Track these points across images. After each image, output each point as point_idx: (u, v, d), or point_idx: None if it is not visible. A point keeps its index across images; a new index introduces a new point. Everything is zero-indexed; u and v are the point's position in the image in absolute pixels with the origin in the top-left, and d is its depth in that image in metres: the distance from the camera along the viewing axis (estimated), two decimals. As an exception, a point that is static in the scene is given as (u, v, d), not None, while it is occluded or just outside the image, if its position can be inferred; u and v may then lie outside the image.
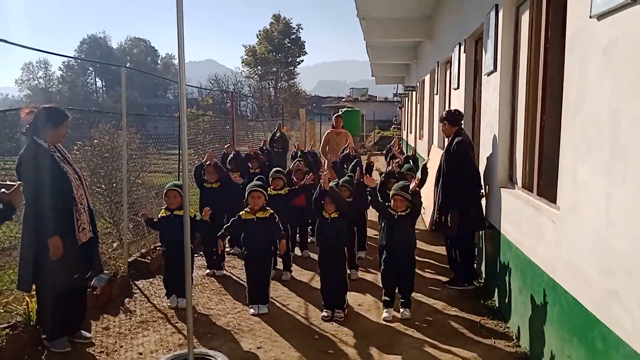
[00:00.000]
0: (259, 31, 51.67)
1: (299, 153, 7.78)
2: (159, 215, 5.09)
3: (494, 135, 5.07)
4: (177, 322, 4.67)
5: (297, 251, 6.99)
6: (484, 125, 5.60)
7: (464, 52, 7.00)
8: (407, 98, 22.62)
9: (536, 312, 3.71)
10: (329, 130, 9.96)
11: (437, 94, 10.30)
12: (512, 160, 4.87)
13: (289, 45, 51.05)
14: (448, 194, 5.33)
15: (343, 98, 51.13)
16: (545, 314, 3.51)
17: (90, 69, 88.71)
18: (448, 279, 5.71)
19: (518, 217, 4.28)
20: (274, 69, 50.80)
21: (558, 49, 3.78)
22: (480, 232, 5.56)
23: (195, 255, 6.77)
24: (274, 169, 6.19)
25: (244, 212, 5.00)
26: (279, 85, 51.17)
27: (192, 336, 3.54)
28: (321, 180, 4.88)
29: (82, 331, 4.25)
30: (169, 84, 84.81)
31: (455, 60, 7.65)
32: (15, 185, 2.87)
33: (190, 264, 3.77)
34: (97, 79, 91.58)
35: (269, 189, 5.89)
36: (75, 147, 10.84)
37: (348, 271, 5.91)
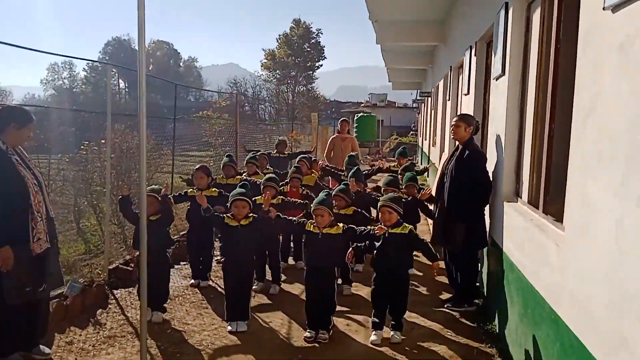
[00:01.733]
0: (279, 35, 51.60)
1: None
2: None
3: (501, 144, 4.63)
4: (147, 339, 4.31)
5: (291, 260, 6.61)
6: (492, 133, 5.15)
7: (475, 55, 6.56)
8: (423, 104, 22.15)
9: (536, 347, 3.26)
10: (334, 136, 9.61)
11: (449, 99, 9.84)
12: (519, 172, 4.42)
13: (308, 49, 50.82)
14: (455, 206, 4.85)
15: (362, 103, 50.78)
16: (546, 350, 3.06)
17: (114, 70, 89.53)
18: (447, 298, 5.26)
19: (521, 235, 3.84)
20: (293, 73, 50.59)
21: (571, 49, 3.34)
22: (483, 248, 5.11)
23: (183, 263, 6.46)
24: (267, 176, 5.82)
25: (227, 216, 4.64)
26: (297, 89, 50.93)
27: (147, 360, 3.18)
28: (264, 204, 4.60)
29: (41, 346, 3.92)
30: (190, 87, 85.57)
31: (466, 64, 7.21)
32: None
33: (145, 276, 3.41)
34: (121, 81, 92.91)
35: (257, 198, 5.54)
36: (82, 147, 10.71)
37: (340, 284, 5.54)
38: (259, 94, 51.70)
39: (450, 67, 9.62)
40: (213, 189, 5.74)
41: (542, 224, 3.46)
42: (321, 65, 52.35)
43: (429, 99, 16.68)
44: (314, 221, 4.39)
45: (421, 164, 17.95)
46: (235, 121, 9.88)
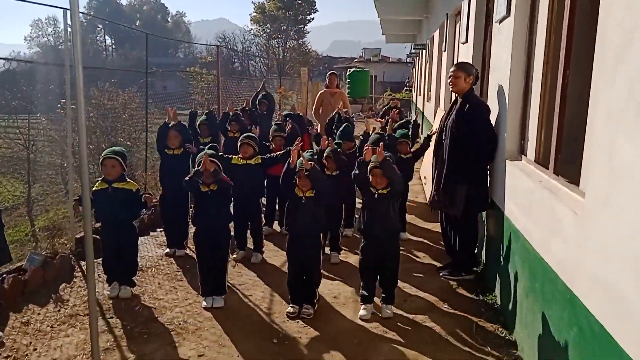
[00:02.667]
0: (269, -13, 49.63)
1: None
2: (93, 189, 4.22)
3: (504, 95, 4.11)
4: (111, 317, 3.91)
5: (277, 226, 6.19)
6: (493, 84, 4.63)
7: (474, -3, 5.94)
8: (417, 58, 21.34)
9: (547, 328, 2.86)
10: (322, 90, 9.02)
11: (445, 50, 9.21)
12: (525, 127, 3.93)
13: (299, 2, 48.97)
14: (455, 166, 4.35)
15: (355, 58, 49.51)
16: (559, 334, 2.66)
17: (99, 26, 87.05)
18: (443, 265, 4.88)
19: (527, 199, 3.39)
20: (283, 27, 48.91)
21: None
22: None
23: (159, 230, 6.02)
24: (244, 135, 5.29)
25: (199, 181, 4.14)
26: (288, 44, 49.38)
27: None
28: (292, 153, 4.00)
29: (-8, 329, 3.52)
30: (180, 43, 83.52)
31: (464, 9, 6.58)
32: None
33: (92, 251, 2.94)
34: (107, 37, 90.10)
35: (235, 157, 5.04)
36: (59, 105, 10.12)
37: (328, 253, 5.14)
38: (249, 49, 50.13)
39: (447, 14, 8.94)
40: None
41: (554, 186, 3.00)
42: (312, 19, 50.61)
43: (424, 51, 15.94)
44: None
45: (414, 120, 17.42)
46: (217, 76, 9.23)
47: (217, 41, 51.92)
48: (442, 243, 5.08)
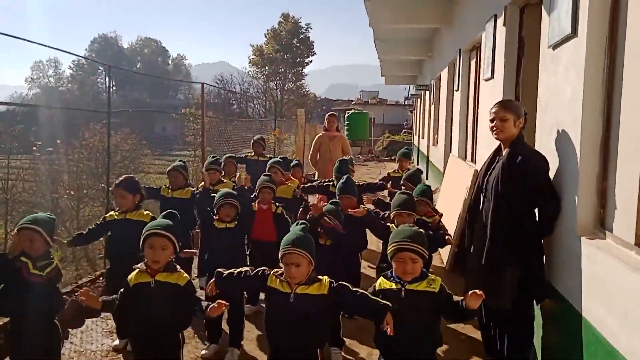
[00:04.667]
0: (267, 30, 49.79)
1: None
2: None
3: (570, 145, 2.98)
4: None
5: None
6: (544, 129, 3.51)
7: (504, 24, 4.92)
8: (419, 99, 20.54)
9: None
10: (320, 134, 7.93)
11: (457, 89, 8.20)
12: (604, 190, 2.79)
13: (297, 45, 49.01)
14: (504, 240, 3.19)
15: (353, 101, 49.24)
16: None
17: (100, 68, 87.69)
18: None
19: (622, 296, 2.22)
20: (281, 69, 48.76)
21: None
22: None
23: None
24: (222, 191, 4.12)
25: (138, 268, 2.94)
26: (286, 86, 49.11)
27: None
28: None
29: None
30: (179, 85, 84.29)
31: (487, 41, 5.57)
32: None
33: None
34: (107, 79, 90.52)
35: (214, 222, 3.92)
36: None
37: (326, 348, 3.88)
38: (247, 91, 49.78)
39: (459, 50, 7.98)
40: (145, 212, 4.03)
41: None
42: (311, 62, 50.64)
43: (427, 92, 15.05)
44: (279, 272, 2.72)
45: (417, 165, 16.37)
46: (202, 116, 8.16)
47: (215, 83, 51.76)
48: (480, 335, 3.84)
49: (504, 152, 3.31)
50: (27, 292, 2.94)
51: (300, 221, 2.84)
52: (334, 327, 3.88)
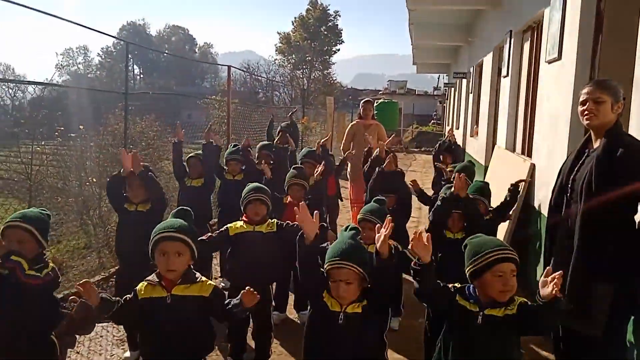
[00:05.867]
0: (295, 17, 49.13)
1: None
2: None
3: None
4: None
5: (293, 309, 4.42)
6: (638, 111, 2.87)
7: (578, -4, 4.24)
8: (453, 88, 19.69)
9: None
10: (355, 122, 7.34)
11: (506, 75, 7.48)
12: None
13: (325, 32, 48.23)
14: (596, 251, 2.60)
15: (380, 91, 48.39)
16: None
17: (129, 55, 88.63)
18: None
19: None
20: (308, 57, 48.08)
21: None
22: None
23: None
24: (252, 187, 3.55)
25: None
26: (313, 74, 48.44)
27: None
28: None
29: None
30: (206, 73, 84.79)
31: (552, 19, 4.88)
32: None
33: None
34: (135, 66, 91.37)
35: (237, 222, 3.38)
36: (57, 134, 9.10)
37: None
38: (273, 79, 49.36)
39: (510, 32, 7.25)
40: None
41: None
42: (338, 50, 49.80)
43: (464, 80, 14.26)
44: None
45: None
46: (227, 101, 7.66)
47: (242, 71, 51.39)
48: None
49: (598, 143, 2.67)
50: (22, 297, 2.45)
51: (351, 225, 2.27)
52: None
